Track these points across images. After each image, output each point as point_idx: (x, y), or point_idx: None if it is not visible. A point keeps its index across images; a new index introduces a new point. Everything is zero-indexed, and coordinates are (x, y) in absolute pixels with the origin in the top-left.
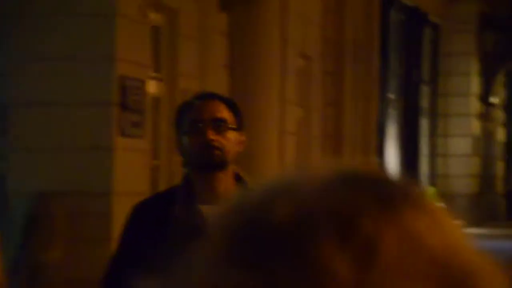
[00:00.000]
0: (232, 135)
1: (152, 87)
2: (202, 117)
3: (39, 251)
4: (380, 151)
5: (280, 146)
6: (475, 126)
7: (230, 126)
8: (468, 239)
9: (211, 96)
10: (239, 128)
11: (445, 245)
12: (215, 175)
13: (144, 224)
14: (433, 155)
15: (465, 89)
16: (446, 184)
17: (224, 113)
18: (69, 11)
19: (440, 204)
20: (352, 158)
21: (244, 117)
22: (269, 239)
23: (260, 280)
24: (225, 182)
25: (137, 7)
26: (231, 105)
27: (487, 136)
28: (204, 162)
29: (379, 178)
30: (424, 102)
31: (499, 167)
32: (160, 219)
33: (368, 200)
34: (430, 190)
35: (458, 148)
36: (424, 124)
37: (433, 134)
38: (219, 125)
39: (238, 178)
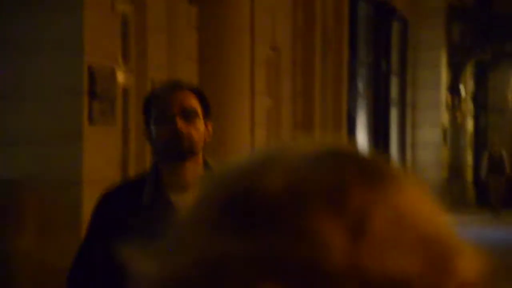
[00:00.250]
0: (200, 125)
1: (121, 77)
2: (170, 106)
3: (8, 239)
4: (350, 141)
5: (250, 137)
6: (444, 116)
7: (198, 115)
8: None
9: (179, 86)
10: (207, 117)
11: (429, 220)
12: (183, 164)
13: (112, 212)
14: (403, 144)
15: (434, 80)
16: (416, 173)
17: (192, 102)
18: (38, 1)
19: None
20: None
21: (213, 107)
22: (261, 209)
23: (252, 249)
24: (193, 171)
25: None
26: (199, 95)
27: (456, 126)
28: (173, 151)
29: (362, 154)
30: (393, 93)
31: (468, 156)
32: (128, 207)
33: (355, 174)
34: None
35: (428, 138)
36: (393, 115)
37: (402, 124)
38: (187, 115)
39: (207, 168)
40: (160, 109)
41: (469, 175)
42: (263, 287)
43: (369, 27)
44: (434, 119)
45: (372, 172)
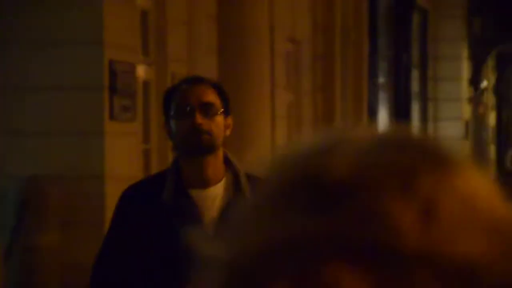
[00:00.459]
0: (219, 119)
1: (141, 71)
2: (190, 101)
3: (32, 235)
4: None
5: (271, 131)
6: (466, 110)
7: (217, 110)
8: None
9: (199, 80)
10: (226, 112)
11: (496, 206)
12: (203, 159)
13: (133, 209)
14: None
15: (455, 73)
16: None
17: (212, 97)
18: None
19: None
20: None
21: (233, 101)
22: (332, 188)
23: (324, 227)
24: (213, 166)
25: None
26: (219, 89)
27: (478, 119)
28: (192, 146)
29: (427, 140)
30: (414, 87)
31: (491, 150)
32: (150, 204)
33: (423, 159)
34: None
35: (449, 131)
36: (414, 108)
37: (423, 118)
38: (207, 109)
39: (227, 162)
40: (180, 103)
41: (491, 168)
42: (334, 265)
43: (389, 20)
44: (455, 113)
45: (438, 157)
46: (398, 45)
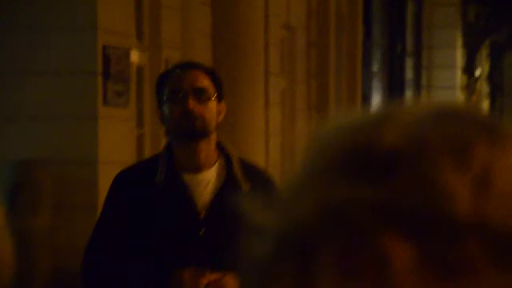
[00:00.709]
0: (212, 105)
1: (135, 57)
2: (183, 86)
3: (25, 218)
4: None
5: (264, 117)
6: (460, 97)
7: (210, 95)
8: None
9: (192, 66)
10: (219, 97)
11: None
12: (196, 144)
13: (126, 192)
14: None
15: (449, 61)
16: None
17: (205, 82)
18: None
19: None
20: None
21: (226, 87)
22: (385, 157)
23: (378, 196)
24: (206, 151)
25: None
26: (212, 75)
27: None
28: (185, 131)
29: (479, 113)
30: (409, 74)
31: None
32: (142, 187)
33: (477, 130)
34: None
35: None
36: (408, 96)
37: None
38: (200, 95)
39: (220, 148)
40: (172, 89)
41: None
42: (384, 235)
43: (383, 7)
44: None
45: (492, 129)
46: (392, 33)
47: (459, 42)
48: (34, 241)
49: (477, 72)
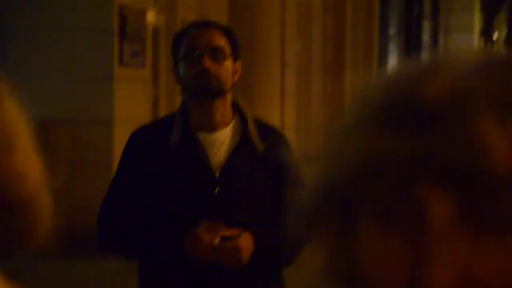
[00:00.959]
0: (228, 64)
1: (151, 17)
2: (199, 44)
3: None
4: None
5: (280, 79)
6: None
7: (226, 54)
8: None
9: (208, 24)
10: (235, 57)
11: None
12: (212, 104)
13: (141, 150)
14: None
15: (467, 25)
16: None
17: (221, 41)
18: None
19: None
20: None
21: (243, 47)
22: (426, 110)
23: (417, 148)
24: (221, 110)
25: None
26: (228, 34)
27: None
28: (200, 90)
29: None
30: (425, 38)
31: None
32: (157, 145)
33: None
34: None
35: None
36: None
37: None
38: (216, 54)
39: (235, 107)
40: (188, 47)
41: None
42: (427, 187)
43: None
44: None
45: None
46: None
47: (476, 6)
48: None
49: (495, 36)
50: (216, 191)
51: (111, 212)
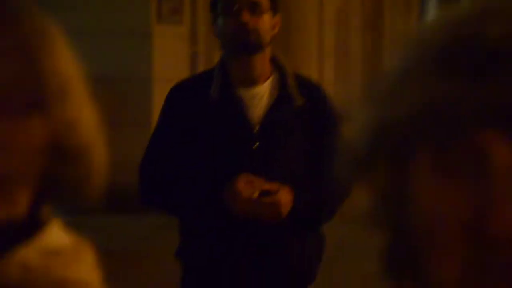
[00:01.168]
0: (267, 18)
1: None
2: None
3: None
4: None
5: (319, 35)
6: None
7: (265, 8)
8: None
9: None
10: (274, 10)
11: None
12: (250, 58)
13: (181, 104)
14: None
15: None
16: None
17: None
18: None
19: None
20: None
21: (281, 1)
22: (487, 54)
23: (479, 93)
24: (260, 64)
25: None
26: None
27: None
28: (239, 44)
29: None
30: None
31: None
32: (197, 100)
33: None
34: None
35: None
36: None
37: None
38: (254, 7)
39: (274, 62)
40: (227, 2)
41: None
42: (487, 131)
43: None
44: None
45: None
46: None
47: None
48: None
49: None
50: (255, 146)
51: (151, 165)
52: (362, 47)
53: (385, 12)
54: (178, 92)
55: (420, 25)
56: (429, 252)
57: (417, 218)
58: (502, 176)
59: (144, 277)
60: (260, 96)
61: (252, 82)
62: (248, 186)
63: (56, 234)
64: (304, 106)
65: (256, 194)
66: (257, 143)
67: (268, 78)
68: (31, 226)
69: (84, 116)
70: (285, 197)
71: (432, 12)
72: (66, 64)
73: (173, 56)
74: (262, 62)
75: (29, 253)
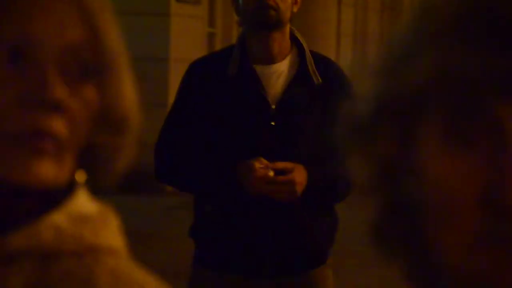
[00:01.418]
0: None
1: None
2: None
3: None
4: None
5: (337, 16)
6: None
7: None
8: None
9: None
10: None
11: None
12: (270, 35)
13: (199, 82)
14: None
15: None
16: None
17: None
18: None
19: None
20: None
21: None
22: (507, 24)
23: (496, 65)
24: (279, 42)
25: None
26: None
27: None
28: (259, 21)
29: None
30: None
31: None
32: (215, 77)
33: None
34: None
35: None
36: None
37: None
38: None
39: (293, 39)
40: None
41: None
42: (504, 102)
43: None
44: None
45: None
46: None
47: None
48: None
49: None
50: (272, 124)
51: (168, 142)
52: (380, 27)
53: None
54: (196, 69)
55: None
56: (437, 224)
57: (424, 188)
58: None
59: (157, 257)
60: (278, 73)
61: (271, 59)
62: (264, 167)
63: (84, 201)
64: (322, 84)
65: (271, 174)
66: (274, 121)
67: (286, 56)
68: (65, 192)
69: (129, 91)
70: (299, 175)
71: None
72: (118, 40)
73: (190, 36)
74: (281, 39)
75: (61, 218)
